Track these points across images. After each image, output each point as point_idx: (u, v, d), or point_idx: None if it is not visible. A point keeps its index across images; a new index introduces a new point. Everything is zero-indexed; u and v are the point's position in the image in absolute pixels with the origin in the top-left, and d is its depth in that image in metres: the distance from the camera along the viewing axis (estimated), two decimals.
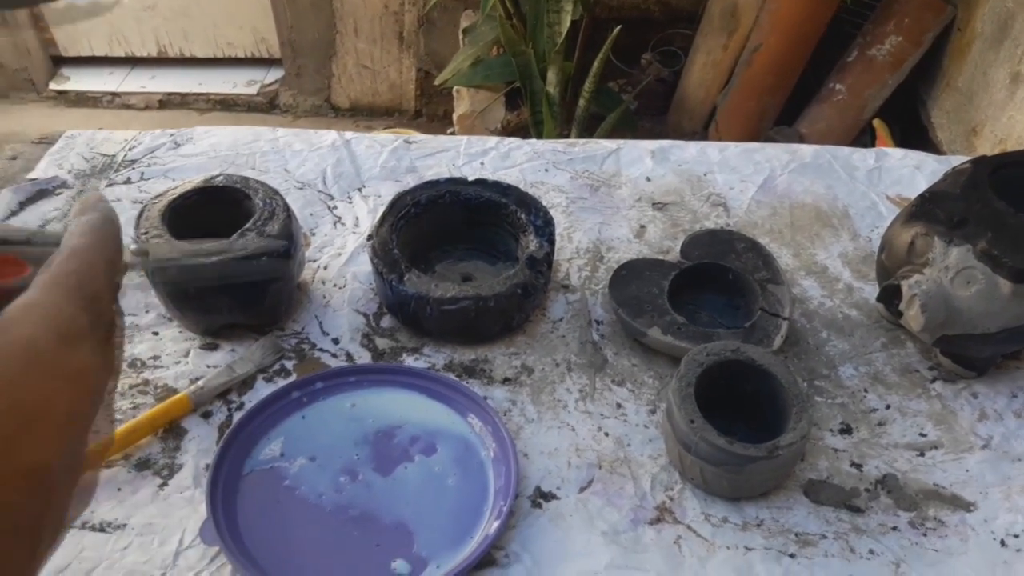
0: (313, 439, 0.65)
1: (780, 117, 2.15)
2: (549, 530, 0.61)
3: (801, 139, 2.01)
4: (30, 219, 0.84)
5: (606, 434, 0.67)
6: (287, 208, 0.71)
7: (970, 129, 1.77)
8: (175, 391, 0.68)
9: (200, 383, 0.68)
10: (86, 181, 0.89)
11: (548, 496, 0.63)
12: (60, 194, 0.88)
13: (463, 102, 2.18)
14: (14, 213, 0.85)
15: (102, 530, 0.59)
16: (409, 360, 0.72)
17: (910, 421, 0.69)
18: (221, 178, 0.73)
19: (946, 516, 0.62)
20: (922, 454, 0.67)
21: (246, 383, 0.69)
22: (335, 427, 0.66)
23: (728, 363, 0.65)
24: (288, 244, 0.69)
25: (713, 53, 2.17)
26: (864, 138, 2.01)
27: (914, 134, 2.00)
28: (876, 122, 1.98)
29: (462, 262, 0.81)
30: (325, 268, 0.80)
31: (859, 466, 0.66)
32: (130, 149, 0.94)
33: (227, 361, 0.70)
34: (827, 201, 0.91)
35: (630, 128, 2.09)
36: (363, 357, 0.72)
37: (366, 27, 2.44)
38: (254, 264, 0.67)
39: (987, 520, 0.62)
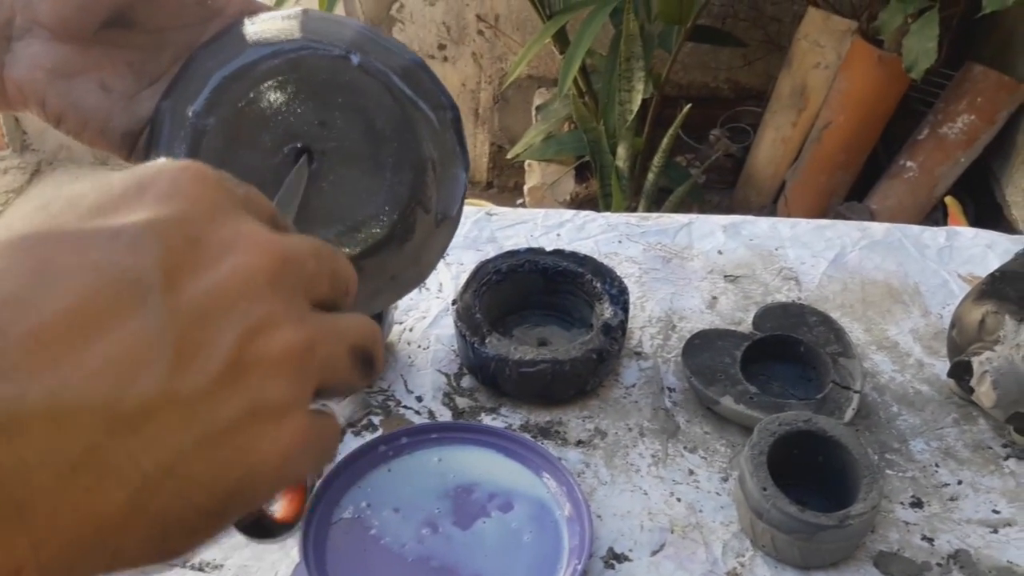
0: (397, 491, 0.69)
1: (850, 193, 2.16)
2: None
3: (872, 215, 2.01)
4: None
5: (678, 499, 0.69)
6: None
7: None
8: None
9: None
10: None
11: (621, 558, 0.65)
12: None
13: (534, 175, 2.26)
14: None
15: (200, 569, 0.64)
16: (487, 419, 0.76)
17: (983, 497, 0.69)
18: None
19: None
20: (995, 531, 0.67)
21: None
22: (418, 481, 0.70)
23: (800, 433, 0.67)
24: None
25: (782, 130, 2.21)
26: (936, 215, 2.01)
27: (989, 212, 1.99)
28: (948, 199, 1.97)
29: (539, 327, 0.85)
30: (411, 330, 0.85)
31: (930, 540, 0.66)
32: None
33: None
34: (898, 278, 0.93)
35: (697, 202, 2.12)
36: (444, 415, 0.76)
37: None
38: None
39: None
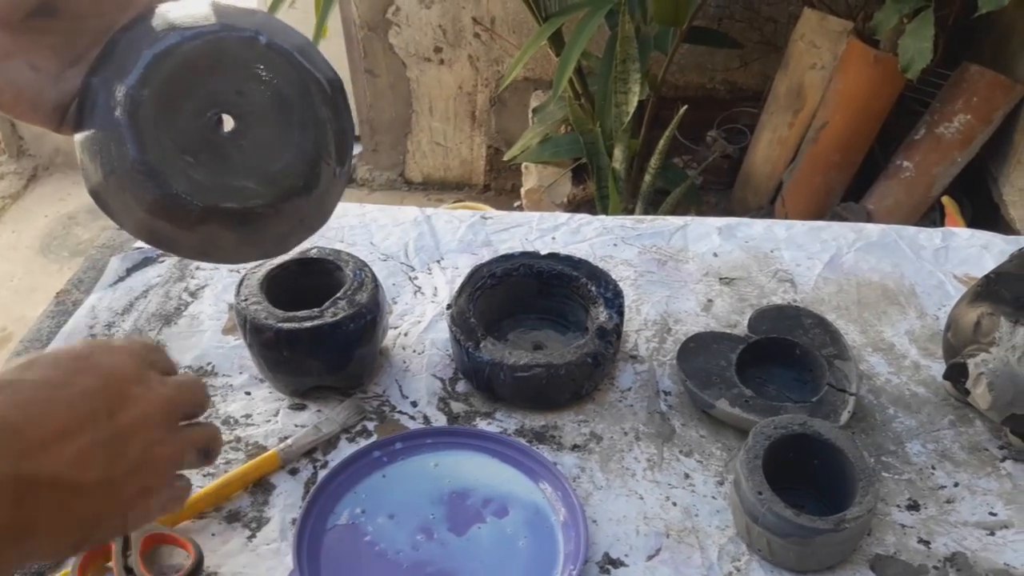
0: (392, 497, 0.69)
1: (847, 193, 2.16)
2: None
3: (869, 216, 2.01)
4: (135, 285, 0.91)
5: (674, 504, 0.69)
6: (375, 279, 0.76)
7: None
8: (265, 448, 0.73)
9: (288, 441, 0.72)
10: None
11: (616, 563, 0.65)
12: (163, 262, 0.95)
13: (531, 177, 2.26)
14: (121, 279, 0.92)
15: None
16: (482, 424, 0.76)
17: (979, 499, 0.69)
18: (315, 250, 0.79)
19: None
20: (992, 533, 0.66)
21: (331, 442, 0.73)
22: (413, 486, 0.70)
23: (796, 437, 0.67)
24: (375, 312, 0.74)
25: (779, 130, 2.21)
26: (933, 215, 2.01)
27: (986, 211, 1.99)
28: (945, 199, 1.97)
29: (534, 331, 0.85)
30: (405, 335, 0.85)
31: (927, 543, 0.66)
32: None
33: (314, 421, 0.75)
34: (894, 279, 0.93)
35: (694, 203, 2.12)
36: (439, 420, 0.76)
37: (440, 107, 2.56)
38: (343, 330, 0.72)
39: None
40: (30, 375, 0.40)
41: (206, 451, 0.48)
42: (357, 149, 2.76)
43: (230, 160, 0.50)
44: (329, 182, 0.53)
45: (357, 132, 2.71)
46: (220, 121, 0.51)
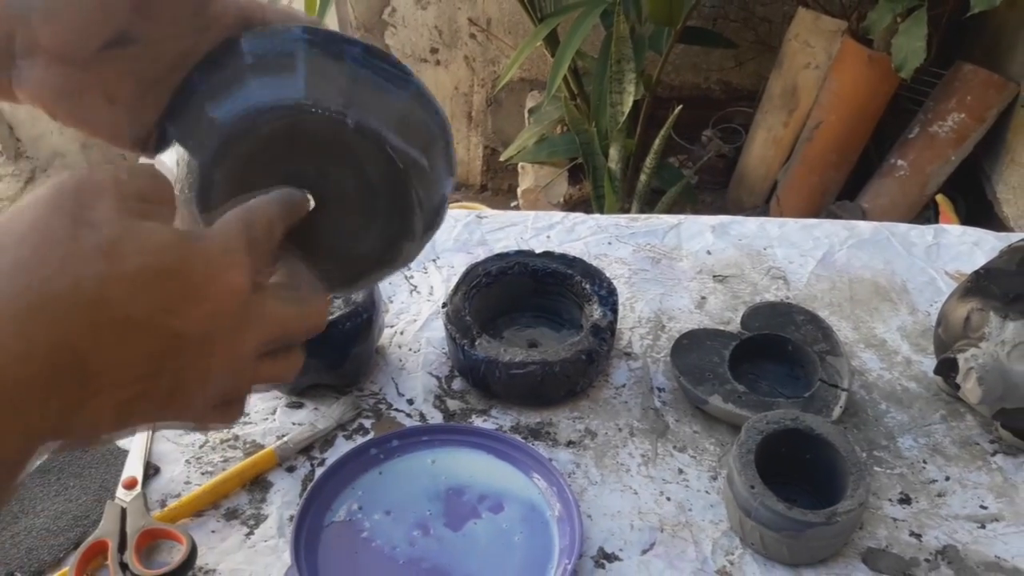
0: (388, 494, 0.69)
1: (842, 192, 2.17)
2: None
3: (863, 214, 2.02)
4: None
5: (668, 499, 0.70)
6: None
7: None
8: (262, 446, 0.73)
9: (285, 439, 0.73)
10: None
11: (611, 557, 0.66)
12: None
13: (527, 177, 2.26)
14: None
15: (194, 575, 0.64)
16: (478, 421, 0.76)
17: (970, 493, 0.70)
18: None
19: None
20: (983, 526, 0.67)
21: (327, 440, 0.74)
22: (409, 483, 0.70)
23: (788, 432, 0.67)
24: (372, 311, 0.75)
25: (774, 130, 2.22)
26: (927, 213, 2.02)
27: (980, 209, 2.00)
28: (939, 197, 1.98)
29: (529, 329, 0.86)
30: (401, 333, 0.85)
31: (918, 536, 0.66)
32: None
33: (311, 419, 0.75)
34: (886, 276, 0.93)
35: (690, 202, 2.13)
36: (435, 417, 0.77)
37: None
38: (339, 328, 0.73)
39: None
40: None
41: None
42: None
43: (306, 240, 0.44)
44: (410, 253, 0.49)
45: None
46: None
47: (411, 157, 0.44)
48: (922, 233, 0.99)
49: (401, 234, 0.47)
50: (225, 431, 0.75)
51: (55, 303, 0.30)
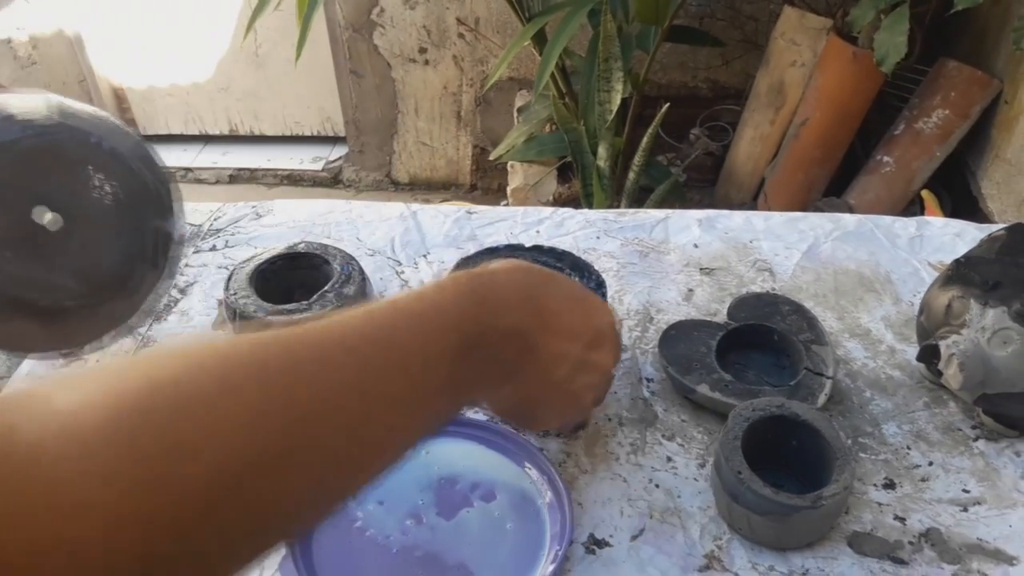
0: (381, 484, 0.70)
1: (828, 189, 2.19)
2: (602, 575, 0.64)
3: (850, 210, 2.04)
4: None
5: (657, 486, 0.71)
6: (362, 272, 0.78)
7: (1021, 200, 1.79)
8: None
9: None
10: None
11: (601, 543, 0.67)
12: None
13: (517, 176, 2.27)
14: None
15: None
16: (470, 412, 0.77)
17: (953, 477, 0.71)
18: (303, 245, 0.81)
19: (989, 569, 0.64)
20: (965, 509, 0.68)
21: None
22: (402, 473, 0.71)
23: (774, 418, 0.69)
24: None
25: (761, 127, 2.24)
26: (913, 209, 2.04)
27: (965, 205, 2.02)
28: (924, 193, 2.00)
29: None
30: None
31: (903, 520, 0.68)
32: (215, 219, 1.02)
33: None
34: (870, 267, 0.95)
35: (679, 200, 2.15)
36: None
37: (426, 107, 2.58)
38: None
39: None
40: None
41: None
42: (343, 151, 2.78)
43: (52, 258, 0.48)
44: (151, 285, 0.54)
45: (343, 133, 2.73)
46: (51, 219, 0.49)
47: (152, 184, 0.52)
48: (905, 225, 1.01)
49: (142, 257, 0.53)
50: None
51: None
